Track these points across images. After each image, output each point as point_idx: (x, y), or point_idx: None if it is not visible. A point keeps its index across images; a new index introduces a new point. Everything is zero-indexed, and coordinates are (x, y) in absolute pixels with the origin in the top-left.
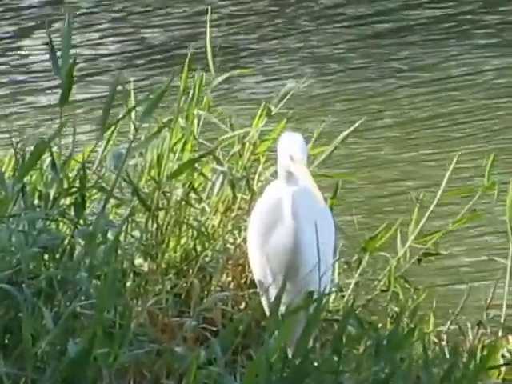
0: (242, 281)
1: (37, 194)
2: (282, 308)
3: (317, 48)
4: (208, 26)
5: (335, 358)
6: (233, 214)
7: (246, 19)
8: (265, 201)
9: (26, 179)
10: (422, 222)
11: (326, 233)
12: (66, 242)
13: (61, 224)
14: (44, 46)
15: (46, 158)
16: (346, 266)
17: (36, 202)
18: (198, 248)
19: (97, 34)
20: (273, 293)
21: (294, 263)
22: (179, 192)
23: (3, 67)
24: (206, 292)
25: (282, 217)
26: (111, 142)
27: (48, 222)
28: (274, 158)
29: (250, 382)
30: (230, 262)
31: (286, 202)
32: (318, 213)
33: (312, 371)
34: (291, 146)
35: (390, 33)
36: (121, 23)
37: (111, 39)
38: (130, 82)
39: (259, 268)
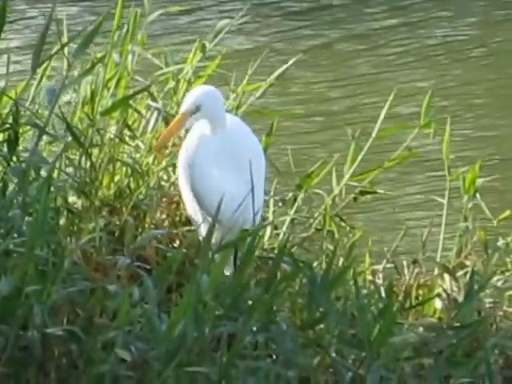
0: (177, 218)
1: None
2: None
3: None
4: None
5: (269, 296)
6: (167, 151)
7: None
8: (188, 141)
9: None
10: (357, 160)
11: (255, 171)
12: None
13: None
14: None
15: None
16: (280, 204)
17: None
18: (132, 185)
19: None
20: (204, 230)
21: (207, 204)
22: (113, 129)
23: None
24: (140, 230)
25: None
26: (44, 78)
27: None
28: None
29: (178, 319)
30: (164, 200)
31: (193, 148)
32: (247, 152)
33: (245, 309)
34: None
35: None
36: None
37: None
38: (63, 15)
39: (190, 206)
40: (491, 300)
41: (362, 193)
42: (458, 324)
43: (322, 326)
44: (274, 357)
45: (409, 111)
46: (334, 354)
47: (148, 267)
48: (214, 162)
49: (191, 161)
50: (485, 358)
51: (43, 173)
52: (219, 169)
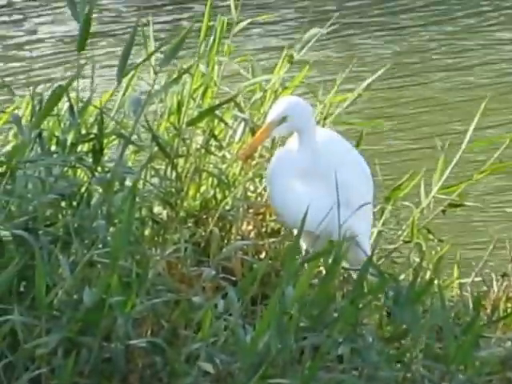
0: (263, 230)
1: (54, 140)
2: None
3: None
4: None
5: (354, 309)
6: (254, 162)
7: None
8: None
9: (43, 125)
10: (446, 172)
11: (357, 180)
12: (83, 189)
13: (78, 171)
14: None
15: (64, 104)
16: None
17: (53, 148)
18: (218, 196)
19: None
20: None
21: (281, 216)
22: (199, 139)
23: (24, 11)
24: (225, 241)
25: None
26: (130, 88)
27: (65, 169)
28: None
29: (262, 330)
30: (250, 211)
31: (272, 161)
32: (340, 166)
33: (331, 322)
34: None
35: None
36: None
37: None
38: (150, 26)
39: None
40: None
41: (451, 205)
42: None
43: (407, 339)
44: (360, 370)
45: (500, 122)
46: (420, 368)
47: (233, 279)
48: (293, 174)
49: (268, 173)
50: None
51: (128, 183)
52: (299, 182)
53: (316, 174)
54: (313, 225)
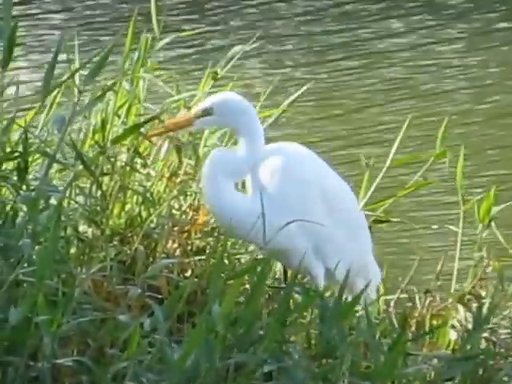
0: (188, 247)
1: None
2: None
3: (268, 14)
4: None
5: (280, 327)
6: (178, 180)
7: None
8: None
9: None
10: (372, 189)
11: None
12: (8, 207)
13: (3, 189)
14: None
15: None
16: None
17: None
18: (143, 214)
19: None
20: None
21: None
22: (124, 157)
23: None
24: (151, 259)
25: None
26: (54, 106)
27: None
28: None
29: (190, 349)
30: (175, 229)
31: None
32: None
33: (257, 339)
34: None
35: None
36: None
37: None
38: (74, 44)
39: None
40: (507, 331)
41: (376, 221)
42: (468, 355)
43: (334, 356)
44: None
45: (424, 138)
46: None
47: (159, 297)
48: (227, 175)
49: (202, 171)
50: None
51: (53, 201)
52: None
53: (257, 182)
54: (243, 232)
